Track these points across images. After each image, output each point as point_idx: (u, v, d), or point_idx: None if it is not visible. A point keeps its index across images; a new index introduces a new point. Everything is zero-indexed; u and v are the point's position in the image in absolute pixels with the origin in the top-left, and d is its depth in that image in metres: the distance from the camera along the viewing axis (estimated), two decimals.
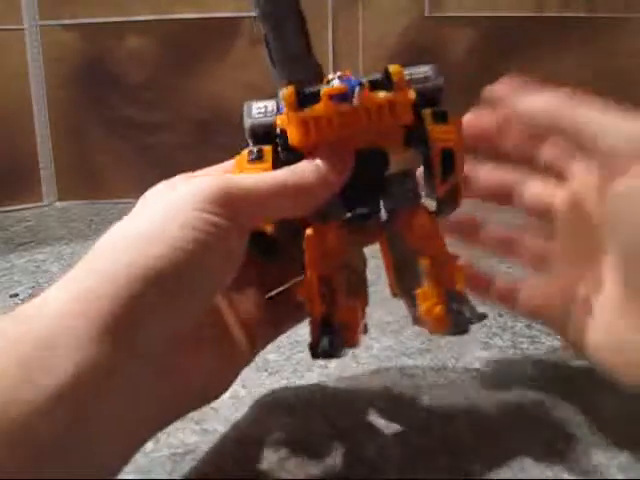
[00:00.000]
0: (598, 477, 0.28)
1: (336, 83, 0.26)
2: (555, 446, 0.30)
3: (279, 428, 0.32)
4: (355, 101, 0.25)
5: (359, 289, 0.29)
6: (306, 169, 0.26)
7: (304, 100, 0.26)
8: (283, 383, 0.36)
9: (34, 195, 0.82)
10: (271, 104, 0.28)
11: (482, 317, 0.27)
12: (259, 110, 0.28)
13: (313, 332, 0.27)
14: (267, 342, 0.32)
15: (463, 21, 0.79)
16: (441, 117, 0.27)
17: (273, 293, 0.32)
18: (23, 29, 0.78)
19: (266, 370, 0.38)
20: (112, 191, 0.81)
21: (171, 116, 0.81)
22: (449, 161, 0.27)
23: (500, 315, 0.44)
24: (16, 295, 0.50)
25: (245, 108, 0.28)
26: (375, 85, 0.26)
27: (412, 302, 0.28)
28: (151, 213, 0.24)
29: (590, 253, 0.27)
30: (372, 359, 0.39)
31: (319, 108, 0.25)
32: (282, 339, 0.41)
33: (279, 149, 0.27)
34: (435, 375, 0.37)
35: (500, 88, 0.28)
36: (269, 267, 0.31)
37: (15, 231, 0.71)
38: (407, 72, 0.27)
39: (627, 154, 0.23)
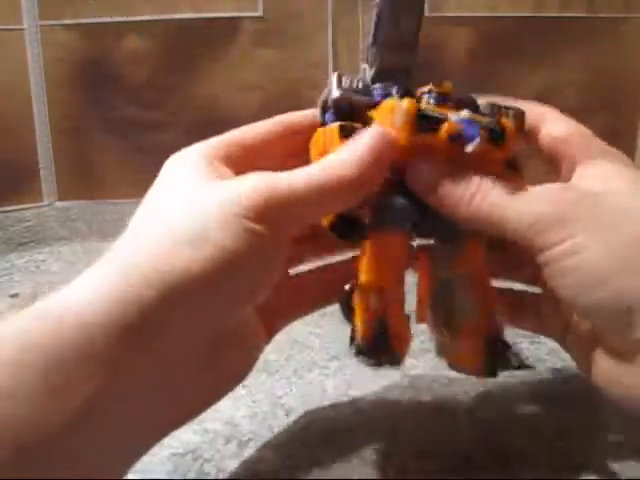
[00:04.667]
0: (598, 477, 0.28)
1: (454, 119, 0.25)
2: (556, 446, 0.30)
3: (279, 428, 0.32)
4: (469, 149, 0.24)
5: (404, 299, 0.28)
6: (347, 162, 0.24)
7: (422, 122, 0.24)
8: (283, 383, 0.36)
9: (34, 195, 0.82)
10: (361, 82, 0.27)
11: (526, 367, 0.27)
12: (351, 84, 0.27)
13: (364, 341, 0.26)
14: (286, 324, 0.31)
15: (463, 21, 0.79)
16: (513, 166, 0.27)
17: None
18: (23, 29, 0.78)
19: (266, 370, 0.38)
20: (112, 191, 0.81)
21: (171, 116, 0.81)
22: None
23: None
24: (16, 295, 0.50)
25: (334, 78, 0.27)
26: (491, 136, 0.25)
27: (442, 332, 0.28)
28: (185, 215, 0.23)
29: None
30: None
31: (434, 142, 0.25)
32: (282, 339, 0.42)
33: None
34: (435, 375, 0.37)
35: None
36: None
37: (15, 231, 0.71)
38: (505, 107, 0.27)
39: (531, 237, 0.24)
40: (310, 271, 0.32)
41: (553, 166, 0.29)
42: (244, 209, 0.22)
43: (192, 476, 0.29)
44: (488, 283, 0.27)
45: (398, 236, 0.26)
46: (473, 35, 0.79)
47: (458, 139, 0.25)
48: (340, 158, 0.25)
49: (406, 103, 0.24)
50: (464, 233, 0.27)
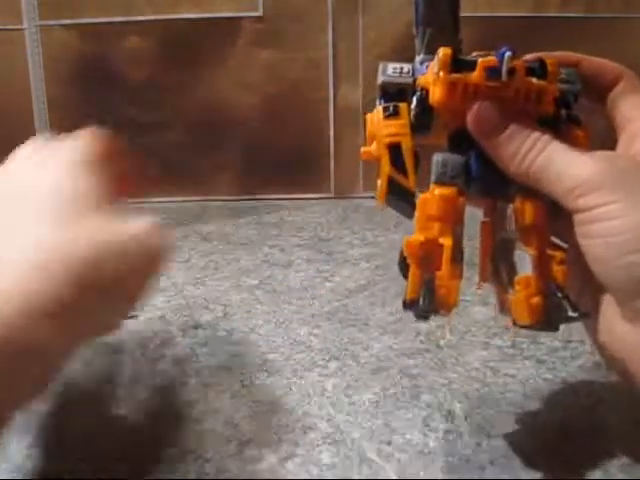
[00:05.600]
0: (598, 477, 0.28)
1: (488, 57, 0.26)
2: (556, 446, 0.30)
3: (279, 428, 0.32)
4: (504, 70, 0.25)
5: (460, 256, 0.28)
6: None
7: (458, 65, 0.26)
8: (283, 383, 0.36)
9: None
10: (407, 67, 0.29)
11: (583, 315, 0.26)
12: (394, 70, 0.29)
13: (411, 290, 0.27)
14: None
15: (462, 21, 0.79)
16: (575, 120, 0.28)
17: None
18: (23, 29, 0.78)
19: (266, 370, 0.38)
20: None
21: (171, 116, 0.81)
22: None
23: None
24: None
25: (380, 67, 0.29)
26: (529, 70, 0.26)
27: (503, 289, 0.28)
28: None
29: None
30: (372, 359, 0.39)
31: (472, 76, 0.26)
32: (282, 339, 0.42)
33: (412, 106, 0.28)
34: (435, 375, 0.37)
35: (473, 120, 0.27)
36: None
37: None
38: None
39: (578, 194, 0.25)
40: None
41: (612, 126, 0.29)
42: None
43: (192, 476, 0.29)
44: (546, 239, 0.27)
45: (449, 191, 0.27)
46: (473, 35, 0.79)
47: (495, 73, 0.26)
48: None
49: (441, 50, 0.26)
50: (518, 190, 0.27)
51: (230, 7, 0.79)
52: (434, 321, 0.43)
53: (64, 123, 0.81)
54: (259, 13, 0.79)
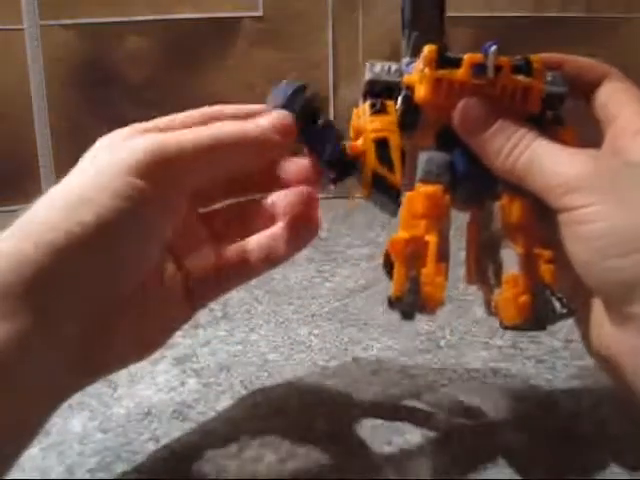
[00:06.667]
0: (598, 477, 0.28)
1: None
2: (555, 446, 0.30)
3: (279, 428, 0.32)
4: (490, 67, 0.25)
5: (445, 254, 0.28)
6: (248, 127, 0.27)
7: (443, 62, 0.26)
8: (283, 383, 0.36)
9: (34, 195, 0.82)
10: (395, 66, 0.29)
11: (573, 313, 0.26)
12: (382, 68, 0.29)
13: (396, 288, 0.27)
14: (213, 298, 0.31)
15: (462, 21, 0.79)
16: (560, 121, 0.28)
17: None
18: (23, 29, 0.78)
19: (266, 370, 0.38)
20: None
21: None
22: None
23: None
24: None
25: (368, 65, 0.30)
26: (515, 68, 0.26)
27: (490, 289, 0.28)
28: (83, 178, 0.25)
29: None
30: (372, 359, 0.39)
31: (457, 73, 0.26)
32: (282, 339, 0.42)
33: (398, 105, 0.28)
34: (435, 375, 0.37)
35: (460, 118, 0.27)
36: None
37: None
38: None
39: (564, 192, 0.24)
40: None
41: (600, 126, 0.29)
42: (130, 167, 0.24)
43: (192, 476, 0.29)
44: (533, 237, 0.27)
45: (434, 189, 0.27)
46: (473, 35, 0.79)
47: (481, 70, 0.26)
48: (236, 123, 0.27)
49: (426, 48, 0.26)
50: (504, 188, 0.27)
51: (230, 7, 0.79)
52: (434, 321, 0.43)
53: (64, 123, 0.81)
54: (259, 13, 0.79)
